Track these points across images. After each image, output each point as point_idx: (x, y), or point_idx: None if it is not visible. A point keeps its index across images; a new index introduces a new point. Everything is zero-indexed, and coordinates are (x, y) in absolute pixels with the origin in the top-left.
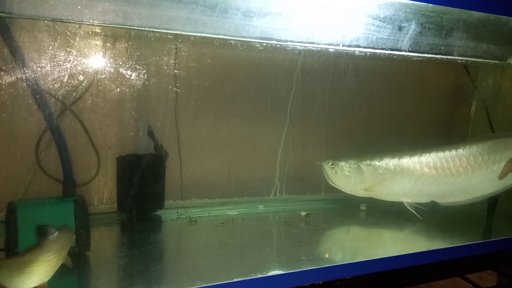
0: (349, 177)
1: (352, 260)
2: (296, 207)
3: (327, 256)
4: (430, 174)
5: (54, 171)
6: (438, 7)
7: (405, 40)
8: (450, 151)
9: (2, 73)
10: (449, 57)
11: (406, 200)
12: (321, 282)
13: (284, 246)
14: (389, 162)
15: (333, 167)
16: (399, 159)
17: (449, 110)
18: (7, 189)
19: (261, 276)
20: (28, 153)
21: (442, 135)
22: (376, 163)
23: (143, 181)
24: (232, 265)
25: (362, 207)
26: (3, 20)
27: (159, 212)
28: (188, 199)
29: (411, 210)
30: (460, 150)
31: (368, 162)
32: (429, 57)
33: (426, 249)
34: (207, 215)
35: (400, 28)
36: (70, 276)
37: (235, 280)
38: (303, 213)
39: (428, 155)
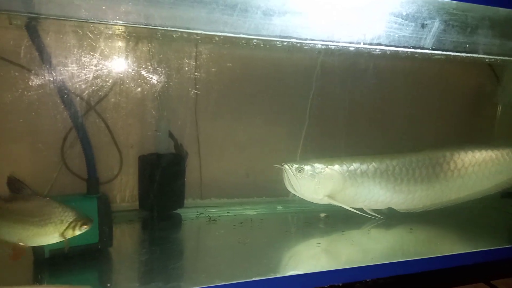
0: (314, 182)
1: (373, 262)
2: (315, 208)
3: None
4: (396, 181)
5: (78, 169)
6: (462, 4)
7: (428, 38)
8: (413, 158)
9: (31, 75)
10: (474, 55)
11: (366, 206)
12: (340, 284)
13: (303, 247)
14: (359, 168)
15: (300, 172)
16: (368, 165)
17: (473, 111)
18: (33, 186)
19: (280, 276)
20: (54, 151)
21: (465, 138)
22: (345, 168)
23: (163, 180)
24: (251, 264)
25: (383, 210)
26: (31, 21)
27: (178, 211)
28: (208, 198)
29: (371, 214)
30: (426, 157)
31: (337, 167)
32: (454, 55)
33: (448, 253)
34: (226, 214)
35: (423, 26)
36: (93, 271)
37: (253, 279)
38: (322, 215)
39: (396, 161)
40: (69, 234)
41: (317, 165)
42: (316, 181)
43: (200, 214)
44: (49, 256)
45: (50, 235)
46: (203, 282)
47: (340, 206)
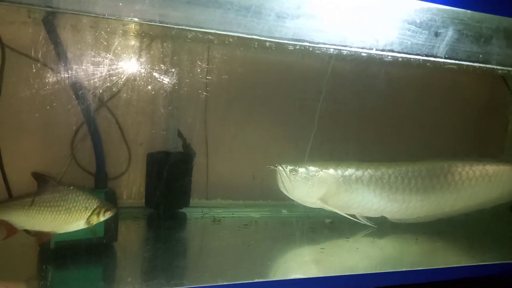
0: (308, 185)
1: (376, 270)
2: (320, 213)
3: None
4: (391, 190)
5: (86, 165)
6: (477, 14)
7: (441, 46)
8: (410, 167)
9: (45, 69)
10: (486, 65)
11: (359, 213)
12: None
13: (306, 252)
14: (354, 174)
15: (294, 174)
16: (363, 172)
17: (483, 123)
18: None
19: (283, 279)
20: (64, 145)
21: (474, 149)
22: (340, 173)
23: (170, 178)
24: (254, 265)
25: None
26: (48, 16)
27: (184, 210)
28: (213, 199)
29: (363, 221)
30: (423, 168)
31: (332, 171)
32: (466, 65)
33: (453, 265)
34: (231, 216)
35: (436, 34)
36: (97, 264)
37: (256, 280)
38: (327, 220)
39: (393, 169)
40: (94, 220)
41: (312, 168)
42: (310, 184)
43: (205, 214)
44: (55, 248)
45: (77, 222)
46: (206, 281)
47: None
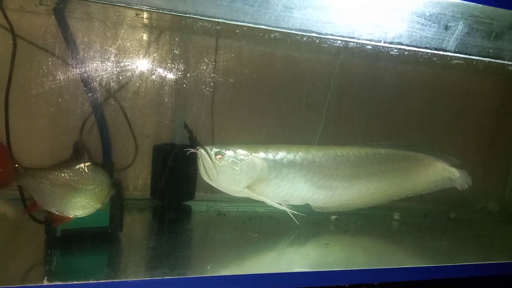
0: (235, 171)
1: (380, 266)
2: (325, 210)
3: None
4: (321, 175)
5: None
6: (488, 8)
7: (451, 40)
8: (338, 152)
9: (57, 62)
10: (497, 60)
11: (285, 202)
12: (347, 285)
13: (311, 246)
14: (285, 157)
15: (220, 158)
16: (295, 155)
17: (494, 124)
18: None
19: (287, 271)
20: (71, 137)
21: (484, 150)
22: (271, 156)
23: (176, 171)
24: (257, 258)
25: (396, 216)
26: (59, 4)
27: (189, 203)
28: (219, 193)
29: (288, 212)
30: (350, 153)
31: (263, 154)
32: (476, 60)
33: (459, 263)
34: (236, 210)
35: (446, 28)
36: (102, 252)
37: (260, 272)
38: (333, 217)
39: (322, 152)
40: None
41: (240, 151)
42: (238, 169)
43: (210, 207)
44: (61, 236)
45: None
46: (209, 271)
47: (264, 202)
